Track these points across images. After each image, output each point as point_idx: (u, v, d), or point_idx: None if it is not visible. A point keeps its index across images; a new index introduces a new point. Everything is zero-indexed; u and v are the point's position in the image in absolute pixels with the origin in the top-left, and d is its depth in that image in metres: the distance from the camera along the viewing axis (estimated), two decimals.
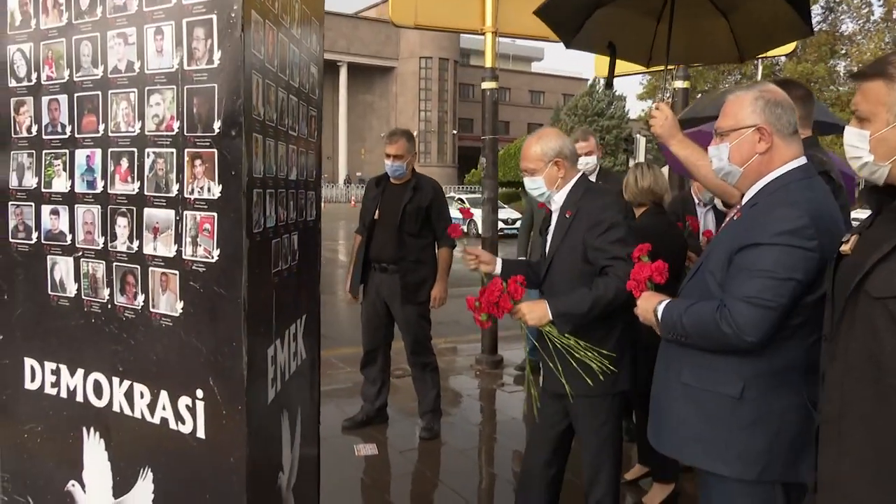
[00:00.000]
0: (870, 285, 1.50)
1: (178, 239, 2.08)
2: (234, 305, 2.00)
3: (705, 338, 1.94)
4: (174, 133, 2.05)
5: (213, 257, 2.03)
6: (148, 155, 2.11)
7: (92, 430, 2.36)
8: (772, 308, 1.85)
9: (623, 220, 2.69)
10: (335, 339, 7.08)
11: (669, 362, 2.14)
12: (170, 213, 2.09)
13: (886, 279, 1.47)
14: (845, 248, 1.64)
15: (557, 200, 2.83)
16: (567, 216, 2.76)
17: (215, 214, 2.01)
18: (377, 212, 4.55)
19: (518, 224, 5.66)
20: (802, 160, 2.05)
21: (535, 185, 2.83)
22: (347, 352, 6.70)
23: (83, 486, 2.40)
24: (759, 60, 23.05)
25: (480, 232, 6.33)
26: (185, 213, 2.06)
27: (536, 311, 2.70)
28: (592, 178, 4.87)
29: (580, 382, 2.67)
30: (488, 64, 6.28)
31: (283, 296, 2.47)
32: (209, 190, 2.01)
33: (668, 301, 2.11)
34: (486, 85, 6.28)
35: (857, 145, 1.60)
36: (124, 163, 2.16)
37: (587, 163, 4.76)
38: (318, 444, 3.27)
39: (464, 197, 25.38)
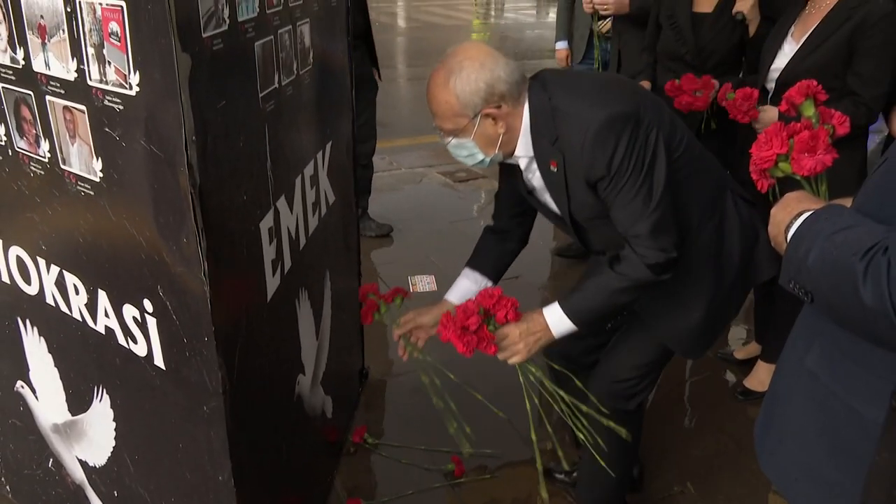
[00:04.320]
0: None
1: (77, 47, 1.17)
2: (176, 173, 1.14)
3: (833, 303, 0.89)
4: None
5: (129, 86, 1.12)
6: None
7: (28, 323, 1.65)
8: None
9: (632, 124, 1.47)
10: (392, 128, 6.18)
11: (800, 327, 1.10)
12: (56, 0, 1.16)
13: None
14: None
15: (520, 156, 1.62)
16: (553, 169, 1.57)
17: (122, 3, 1.07)
18: None
19: None
20: None
21: (465, 152, 1.60)
22: (404, 143, 5.86)
23: (34, 391, 1.76)
24: None
25: None
26: None
27: (535, 328, 1.60)
28: None
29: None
30: None
31: (287, 126, 1.58)
32: None
33: (818, 212, 0.96)
34: None
35: None
36: None
37: None
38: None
39: None
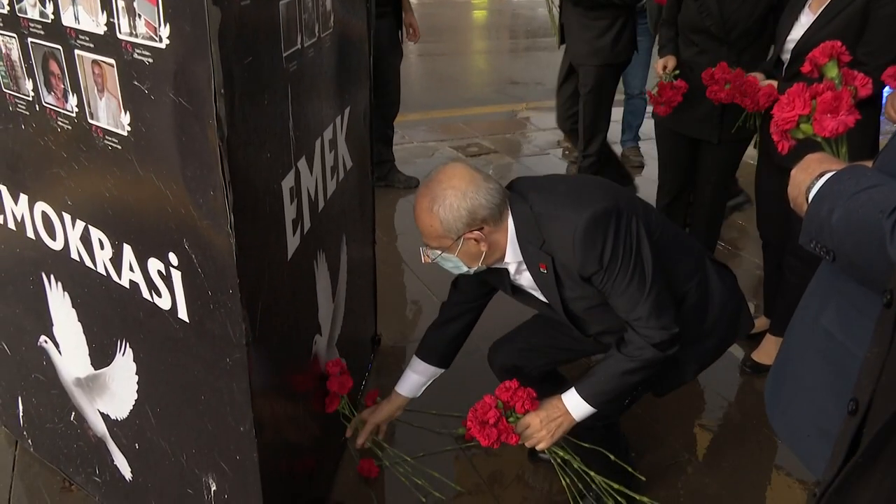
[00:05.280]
0: None
1: (107, 0, 1.19)
2: (204, 126, 1.16)
3: (856, 261, 0.91)
4: None
5: (159, 39, 1.14)
6: None
7: (53, 278, 1.69)
8: None
9: (614, 218, 1.54)
10: (403, 103, 6.15)
11: (815, 287, 1.11)
12: None
13: None
14: None
15: (508, 263, 1.69)
16: (543, 271, 1.64)
17: None
18: None
19: None
20: None
21: (451, 264, 1.66)
22: (415, 118, 5.84)
23: (57, 346, 1.80)
24: None
25: None
26: None
27: (555, 414, 1.65)
28: None
29: None
30: None
31: (308, 88, 1.60)
32: None
33: (840, 172, 0.97)
34: None
35: None
36: None
37: None
38: (373, 266, 2.60)
39: None
